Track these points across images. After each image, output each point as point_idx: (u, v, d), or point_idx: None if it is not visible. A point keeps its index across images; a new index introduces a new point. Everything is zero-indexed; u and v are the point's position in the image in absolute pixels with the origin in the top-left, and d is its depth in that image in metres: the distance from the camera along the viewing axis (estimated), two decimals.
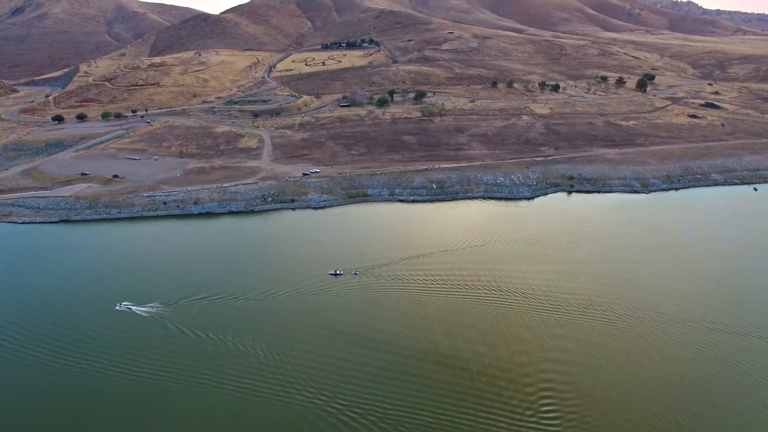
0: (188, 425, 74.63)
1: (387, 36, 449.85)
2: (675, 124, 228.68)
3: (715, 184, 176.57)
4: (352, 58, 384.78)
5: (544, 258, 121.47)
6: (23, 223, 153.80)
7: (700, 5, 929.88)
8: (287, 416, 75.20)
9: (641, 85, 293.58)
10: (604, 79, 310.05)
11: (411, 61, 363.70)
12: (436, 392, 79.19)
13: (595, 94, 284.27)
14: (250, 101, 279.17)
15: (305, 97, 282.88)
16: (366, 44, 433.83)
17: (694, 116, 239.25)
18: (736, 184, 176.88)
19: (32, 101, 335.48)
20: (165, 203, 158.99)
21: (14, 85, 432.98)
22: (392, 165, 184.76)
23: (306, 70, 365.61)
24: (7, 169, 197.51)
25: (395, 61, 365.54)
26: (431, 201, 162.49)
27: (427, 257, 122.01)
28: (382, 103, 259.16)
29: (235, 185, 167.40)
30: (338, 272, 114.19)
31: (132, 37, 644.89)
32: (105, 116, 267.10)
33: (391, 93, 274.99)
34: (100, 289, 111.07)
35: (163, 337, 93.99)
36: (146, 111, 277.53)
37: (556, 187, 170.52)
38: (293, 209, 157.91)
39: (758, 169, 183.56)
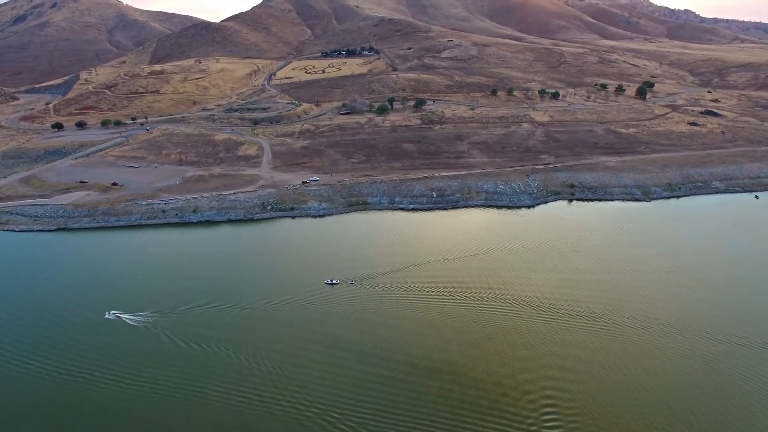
0: None
1: (387, 44, 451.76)
2: (675, 132, 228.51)
3: (717, 192, 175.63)
4: (352, 66, 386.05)
5: (546, 267, 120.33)
6: (20, 231, 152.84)
7: (697, 14, 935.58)
8: (281, 429, 73.77)
9: (641, 93, 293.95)
10: (604, 86, 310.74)
11: (411, 68, 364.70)
12: (435, 403, 77.76)
13: (594, 101, 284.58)
14: (249, 109, 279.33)
15: (305, 105, 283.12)
16: (366, 52, 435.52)
17: (694, 124, 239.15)
18: (737, 191, 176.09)
19: (32, 109, 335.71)
20: (164, 211, 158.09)
21: (15, 92, 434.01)
22: (392, 173, 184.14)
23: (306, 77, 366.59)
24: (5, 177, 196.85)
25: (395, 69, 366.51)
26: (431, 209, 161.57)
27: (427, 266, 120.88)
28: (381, 110, 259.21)
29: (234, 193, 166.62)
30: (334, 281, 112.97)
31: (133, 45, 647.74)
32: (104, 124, 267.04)
33: (391, 101, 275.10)
34: (95, 297, 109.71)
35: (157, 347, 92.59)
36: (146, 119, 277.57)
37: (556, 195, 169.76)
38: (293, 217, 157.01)
39: (759, 177, 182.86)
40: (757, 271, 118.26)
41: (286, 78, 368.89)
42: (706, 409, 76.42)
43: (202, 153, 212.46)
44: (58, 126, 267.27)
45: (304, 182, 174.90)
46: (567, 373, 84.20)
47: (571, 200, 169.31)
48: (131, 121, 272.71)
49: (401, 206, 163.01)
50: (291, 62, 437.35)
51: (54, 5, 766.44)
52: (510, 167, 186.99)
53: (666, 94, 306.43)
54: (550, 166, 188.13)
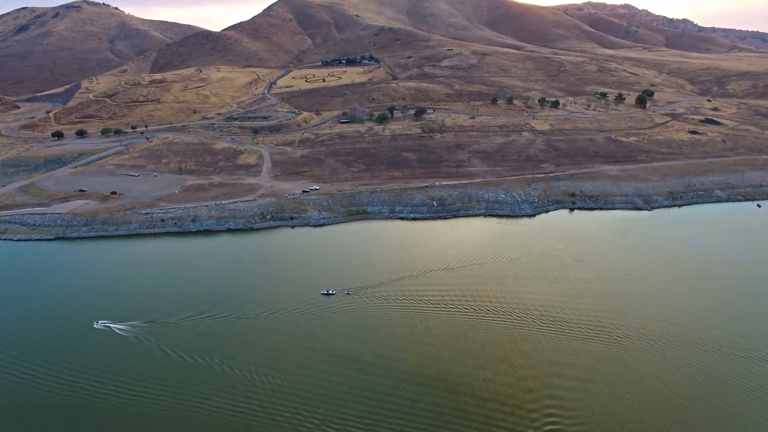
0: None
1: (387, 53, 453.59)
2: (676, 140, 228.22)
3: (719, 201, 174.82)
4: (352, 75, 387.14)
5: (548, 277, 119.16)
6: (18, 240, 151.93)
7: (695, 23, 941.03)
8: None
9: (641, 102, 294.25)
10: (604, 95, 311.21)
11: (411, 77, 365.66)
12: (436, 414, 76.42)
13: (595, 110, 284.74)
14: (250, 117, 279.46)
15: (305, 114, 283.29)
16: (366, 61, 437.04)
17: (694, 132, 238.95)
18: (739, 200, 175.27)
19: (33, 117, 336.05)
20: (163, 220, 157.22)
21: (16, 101, 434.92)
22: (392, 182, 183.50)
23: (306, 86, 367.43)
24: (4, 186, 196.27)
25: (395, 78, 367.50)
26: (432, 218, 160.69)
27: (427, 275, 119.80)
28: (382, 119, 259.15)
29: (234, 202, 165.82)
30: (330, 292, 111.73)
31: (134, 53, 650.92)
32: (105, 132, 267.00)
33: (391, 109, 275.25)
34: (90, 307, 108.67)
35: (148, 357, 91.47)
36: (146, 127, 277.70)
37: (557, 204, 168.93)
38: (292, 227, 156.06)
39: (761, 185, 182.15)
40: (761, 282, 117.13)
41: (287, 87, 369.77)
42: (710, 423, 74.98)
43: (201, 162, 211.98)
44: (58, 134, 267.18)
45: (303, 191, 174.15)
46: (569, 384, 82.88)
47: (572, 209, 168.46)
48: (131, 130, 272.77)
49: (401, 215, 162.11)
50: (291, 71, 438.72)
51: (56, 15, 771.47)
52: (511, 176, 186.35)
53: (666, 102, 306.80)
54: (551, 174, 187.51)
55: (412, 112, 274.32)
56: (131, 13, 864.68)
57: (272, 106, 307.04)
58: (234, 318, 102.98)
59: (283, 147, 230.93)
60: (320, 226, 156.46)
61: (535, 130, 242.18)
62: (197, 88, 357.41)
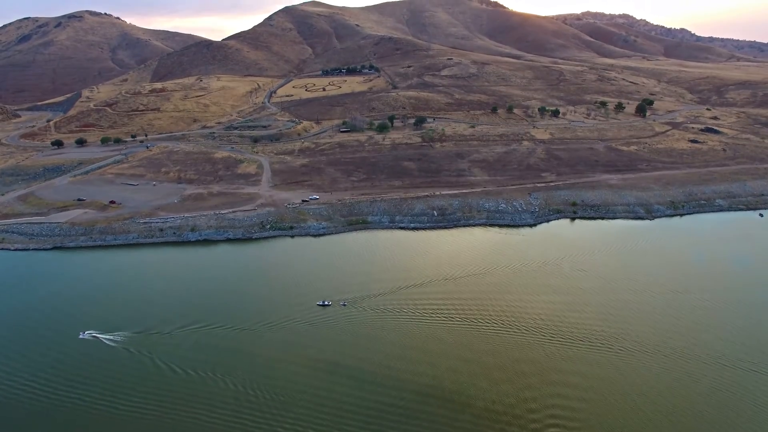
0: None
1: (387, 62, 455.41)
2: (676, 149, 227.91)
3: (721, 210, 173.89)
4: (352, 84, 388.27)
5: (549, 287, 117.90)
6: (15, 249, 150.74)
7: (693, 32, 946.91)
8: None
9: (640, 110, 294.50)
10: (604, 104, 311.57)
11: (411, 86, 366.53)
12: (434, 428, 74.94)
13: (595, 119, 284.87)
14: (250, 127, 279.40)
15: (305, 123, 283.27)
16: (366, 70, 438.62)
17: (694, 141, 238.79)
18: (741, 209, 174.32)
19: (33, 126, 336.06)
20: (161, 230, 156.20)
21: (17, 110, 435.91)
22: (392, 191, 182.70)
23: (306, 95, 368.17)
24: (3, 195, 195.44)
25: (395, 87, 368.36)
26: (432, 228, 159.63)
27: (428, 286, 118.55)
28: (382, 128, 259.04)
29: (233, 212, 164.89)
30: (326, 303, 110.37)
31: (135, 63, 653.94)
32: (104, 141, 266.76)
33: (391, 118, 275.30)
34: (84, 316, 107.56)
35: (139, 369, 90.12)
36: (146, 136, 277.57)
37: (558, 214, 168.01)
38: (292, 237, 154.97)
39: (763, 195, 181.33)
40: (766, 292, 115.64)
41: (287, 96, 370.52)
42: None
43: (201, 171, 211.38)
44: (58, 143, 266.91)
45: (303, 201, 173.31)
46: (571, 396, 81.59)
47: (573, 219, 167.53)
48: (131, 139, 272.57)
49: (402, 225, 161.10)
50: (291, 80, 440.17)
51: (59, 25, 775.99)
52: (511, 185, 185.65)
53: (665, 111, 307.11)
54: (552, 184, 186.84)
55: (412, 121, 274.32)
56: (133, 23, 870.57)
57: (272, 115, 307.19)
58: (229, 328, 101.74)
59: (282, 156, 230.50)
60: (320, 236, 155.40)
61: (536, 139, 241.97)
62: (197, 97, 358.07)
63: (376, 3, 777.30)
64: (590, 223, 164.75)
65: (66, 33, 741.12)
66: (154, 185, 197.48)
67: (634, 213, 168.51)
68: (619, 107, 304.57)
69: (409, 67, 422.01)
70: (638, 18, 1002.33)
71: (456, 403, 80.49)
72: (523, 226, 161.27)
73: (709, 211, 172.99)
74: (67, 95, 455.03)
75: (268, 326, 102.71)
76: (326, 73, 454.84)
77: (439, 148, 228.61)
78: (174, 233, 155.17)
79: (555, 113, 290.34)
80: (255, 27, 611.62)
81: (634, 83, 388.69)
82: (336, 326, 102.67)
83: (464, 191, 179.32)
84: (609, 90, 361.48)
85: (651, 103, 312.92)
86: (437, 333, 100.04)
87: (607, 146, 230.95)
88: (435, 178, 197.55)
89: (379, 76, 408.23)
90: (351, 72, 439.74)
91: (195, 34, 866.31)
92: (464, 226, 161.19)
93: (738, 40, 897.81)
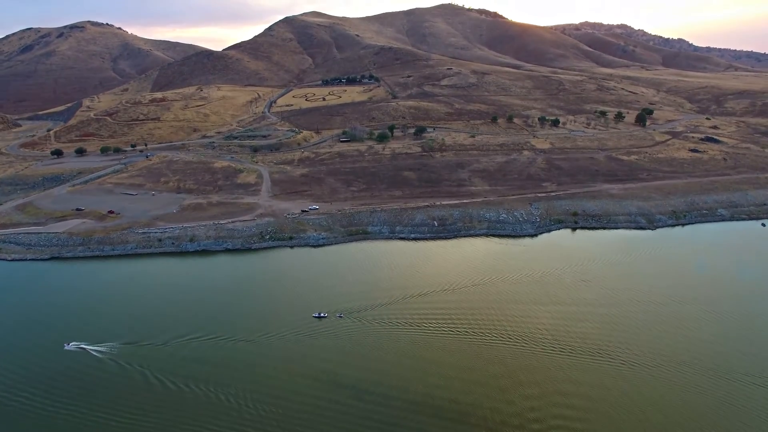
0: None
1: (386, 72, 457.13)
2: (677, 159, 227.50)
3: (723, 220, 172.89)
4: (352, 94, 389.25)
5: (551, 298, 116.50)
6: (12, 260, 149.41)
7: (690, 42, 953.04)
8: None
9: (640, 120, 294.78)
10: (603, 113, 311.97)
11: (410, 96, 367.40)
12: None
13: (595, 128, 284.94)
14: (249, 136, 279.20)
15: (305, 132, 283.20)
16: (366, 80, 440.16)
17: (695, 150, 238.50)
18: (743, 219, 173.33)
19: (33, 135, 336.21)
20: (160, 240, 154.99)
21: (18, 119, 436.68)
22: (392, 201, 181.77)
23: (306, 105, 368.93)
24: (1, 204, 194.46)
25: (395, 97, 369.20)
26: (433, 239, 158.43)
27: (427, 297, 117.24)
28: (382, 138, 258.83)
29: (233, 222, 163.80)
30: (322, 315, 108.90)
31: (136, 73, 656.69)
32: (104, 151, 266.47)
33: (391, 128, 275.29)
34: (77, 327, 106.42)
35: (130, 381, 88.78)
36: (146, 145, 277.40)
37: (560, 224, 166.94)
38: (291, 247, 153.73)
39: (765, 204, 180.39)
40: None
41: (287, 105, 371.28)
42: None
43: (200, 180, 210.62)
44: (58, 153, 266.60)
45: (303, 211, 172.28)
46: (575, 412, 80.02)
47: (574, 229, 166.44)
48: (131, 148, 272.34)
49: (402, 236, 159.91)
50: (292, 90, 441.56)
51: (61, 35, 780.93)
52: (512, 195, 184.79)
53: (665, 120, 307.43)
54: (553, 194, 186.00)
55: (412, 130, 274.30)
56: (134, 33, 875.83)
57: (272, 125, 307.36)
58: (224, 339, 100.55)
59: (282, 166, 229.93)
60: (319, 246, 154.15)
61: (536, 148, 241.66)
62: (197, 106, 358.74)
63: (376, 13, 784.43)
64: (592, 233, 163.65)
65: (68, 43, 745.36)
66: (153, 195, 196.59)
67: (635, 223, 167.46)
68: (619, 117, 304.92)
69: (408, 77, 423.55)
70: (636, 28, 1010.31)
71: (457, 416, 79.04)
72: (524, 236, 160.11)
73: (711, 221, 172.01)
74: (68, 105, 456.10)
75: (265, 337, 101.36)
76: (326, 82, 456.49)
77: (440, 158, 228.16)
78: (172, 243, 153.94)
79: (555, 123, 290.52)
80: (255, 37, 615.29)
81: (634, 93, 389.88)
82: (333, 338, 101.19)
83: (465, 201, 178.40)
84: (608, 99, 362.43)
85: (651, 112, 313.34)
86: (436, 344, 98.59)
87: (607, 156, 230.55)
88: (435, 187, 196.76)
89: (379, 86, 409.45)
90: (351, 82, 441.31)
91: (196, 44, 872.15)
92: (465, 236, 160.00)
93: (735, 50, 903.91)
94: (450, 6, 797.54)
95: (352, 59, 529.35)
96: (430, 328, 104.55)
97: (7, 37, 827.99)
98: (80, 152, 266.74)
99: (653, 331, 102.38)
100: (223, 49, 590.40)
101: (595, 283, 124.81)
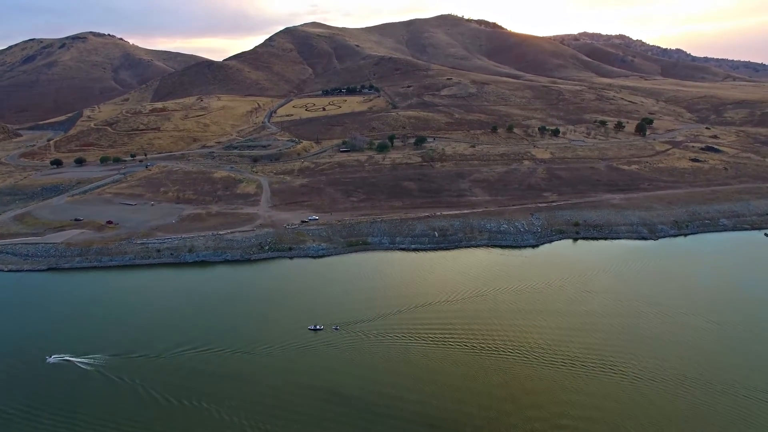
0: None
1: (386, 82, 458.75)
2: (678, 168, 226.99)
3: (725, 230, 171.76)
4: (352, 104, 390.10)
5: (553, 310, 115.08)
6: (9, 271, 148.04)
7: (688, 53, 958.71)
8: None
9: (640, 130, 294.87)
10: (603, 123, 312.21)
11: (411, 106, 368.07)
12: None
13: (595, 138, 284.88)
14: (249, 146, 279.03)
15: (305, 143, 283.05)
16: (366, 90, 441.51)
17: (695, 160, 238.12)
18: (746, 229, 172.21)
19: (34, 145, 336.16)
20: (158, 251, 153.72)
21: (18, 129, 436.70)
22: (393, 212, 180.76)
23: (306, 115, 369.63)
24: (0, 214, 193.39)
25: (395, 107, 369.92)
26: (433, 249, 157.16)
27: (427, 309, 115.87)
28: (382, 148, 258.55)
29: (232, 233, 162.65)
30: (318, 327, 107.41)
31: (137, 83, 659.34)
32: (104, 161, 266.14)
33: (391, 138, 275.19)
34: (69, 339, 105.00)
35: (116, 395, 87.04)
36: (145, 155, 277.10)
37: (561, 234, 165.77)
38: (291, 258, 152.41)
39: (767, 214, 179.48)
40: None
41: (287, 115, 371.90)
42: None
43: (200, 191, 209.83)
44: (57, 163, 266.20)
45: (302, 221, 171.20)
46: (579, 426, 78.46)
47: (576, 239, 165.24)
48: (131, 158, 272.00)
49: (402, 246, 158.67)
50: (292, 100, 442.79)
51: (63, 46, 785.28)
52: (513, 205, 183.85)
53: (665, 130, 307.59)
54: (554, 204, 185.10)
55: (412, 140, 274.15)
56: (136, 44, 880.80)
57: (272, 135, 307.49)
58: (219, 351, 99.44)
59: (282, 176, 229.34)
60: (319, 257, 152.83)
61: (536, 158, 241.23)
62: (198, 116, 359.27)
63: (375, 24, 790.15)
64: (593, 244, 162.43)
65: (70, 54, 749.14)
66: (153, 205, 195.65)
67: (637, 233, 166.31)
68: (619, 126, 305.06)
69: (408, 87, 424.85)
70: (634, 39, 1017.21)
71: (456, 424, 77.90)
72: (525, 247, 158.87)
73: (713, 231, 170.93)
74: (69, 114, 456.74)
75: (262, 349, 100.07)
76: (326, 93, 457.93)
77: (440, 168, 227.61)
78: (171, 254, 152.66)
79: (555, 132, 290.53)
80: (256, 47, 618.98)
81: (633, 102, 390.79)
82: (337, 351, 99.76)
83: (465, 211, 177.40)
84: (608, 109, 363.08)
85: (650, 122, 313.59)
86: (438, 357, 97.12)
87: (608, 165, 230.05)
88: (435, 198, 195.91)
89: (379, 96, 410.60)
90: (351, 92, 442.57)
91: (197, 54, 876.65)
92: (466, 247, 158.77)
93: (733, 60, 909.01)
94: (449, 17, 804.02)
95: (353, 69, 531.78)
96: (430, 340, 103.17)
97: (10, 48, 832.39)
98: (80, 162, 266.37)
99: (658, 343, 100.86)
100: (224, 60, 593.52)
101: (598, 294, 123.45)
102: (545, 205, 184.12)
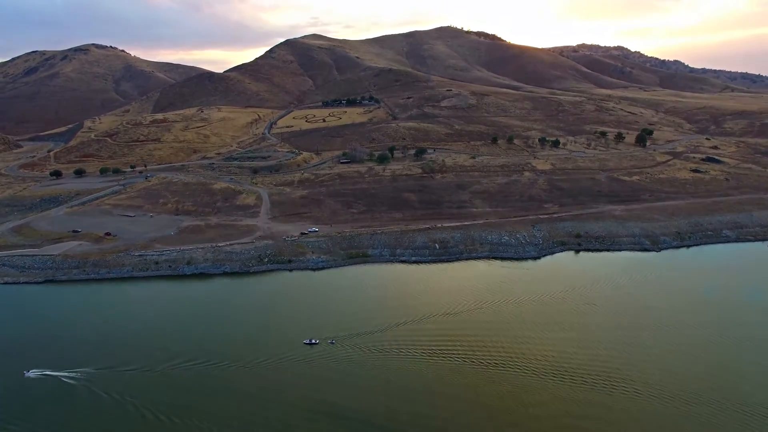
0: None
1: (386, 93, 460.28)
2: (679, 179, 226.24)
3: (728, 241, 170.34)
4: (352, 115, 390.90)
5: (556, 323, 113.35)
6: (5, 283, 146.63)
7: (686, 64, 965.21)
8: None
9: (640, 140, 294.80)
10: (603, 134, 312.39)
11: (411, 117, 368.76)
12: None
13: (595, 149, 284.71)
14: (249, 157, 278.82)
15: (305, 154, 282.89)
16: (366, 101, 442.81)
17: (696, 171, 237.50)
18: (749, 240, 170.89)
19: (33, 156, 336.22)
20: (156, 263, 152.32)
21: (19, 140, 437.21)
22: (393, 224, 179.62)
23: (306, 126, 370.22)
24: None
25: (395, 118, 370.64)
26: (434, 262, 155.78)
27: (428, 322, 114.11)
28: (382, 159, 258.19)
29: (231, 245, 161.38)
30: (313, 341, 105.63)
31: (138, 94, 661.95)
32: (103, 172, 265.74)
33: (391, 150, 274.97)
34: (62, 353, 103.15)
35: (105, 409, 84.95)
36: (145, 166, 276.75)
37: (563, 246, 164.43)
38: (290, 270, 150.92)
39: None
40: None
41: (287, 127, 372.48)
42: None
43: (199, 202, 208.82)
44: (57, 174, 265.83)
45: (302, 233, 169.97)
46: None
47: (578, 251, 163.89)
48: (130, 169, 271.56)
49: (403, 258, 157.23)
50: (292, 111, 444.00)
51: (65, 57, 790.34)
52: (514, 217, 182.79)
53: (665, 141, 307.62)
54: (555, 215, 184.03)
55: (412, 152, 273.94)
56: (137, 56, 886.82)
57: (272, 146, 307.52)
58: (213, 365, 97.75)
59: (282, 187, 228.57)
60: (319, 269, 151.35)
61: (537, 169, 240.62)
62: (198, 127, 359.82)
63: (376, 36, 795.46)
64: (595, 255, 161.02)
65: (72, 65, 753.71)
66: (152, 217, 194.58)
67: (639, 244, 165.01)
68: (619, 137, 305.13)
69: (408, 98, 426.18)
70: (632, 50, 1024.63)
71: None
72: (526, 259, 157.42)
73: (716, 242, 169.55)
74: (69, 126, 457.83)
75: (259, 363, 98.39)
76: (326, 104, 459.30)
77: (440, 180, 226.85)
78: (169, 266, 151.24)
79: (555, 143, 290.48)
80: (256, 59, 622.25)
81: (633, 113, 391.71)
82: (337, 364, 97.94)
83: (466, 223, 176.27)
84: (608, 120, 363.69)
85: (650, 132, 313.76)
86: (438, 371, 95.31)
87: (609, 176, 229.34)
88: (436, 209, 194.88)
89: (379, 108, 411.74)
90: (351, 103, 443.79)
91: (198, 66, 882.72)
92: (467, 259, 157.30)
93: (730, 71, 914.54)
94: (449, 29, 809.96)
95: (353, 81, 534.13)
96: (429, 353, 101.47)
97: (13, 60, 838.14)
98: (79, 173, 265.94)
99: (665, 358, 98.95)
100: (225, 71, 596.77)
101: (601, 307, 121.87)
102: (546, 216, 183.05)
